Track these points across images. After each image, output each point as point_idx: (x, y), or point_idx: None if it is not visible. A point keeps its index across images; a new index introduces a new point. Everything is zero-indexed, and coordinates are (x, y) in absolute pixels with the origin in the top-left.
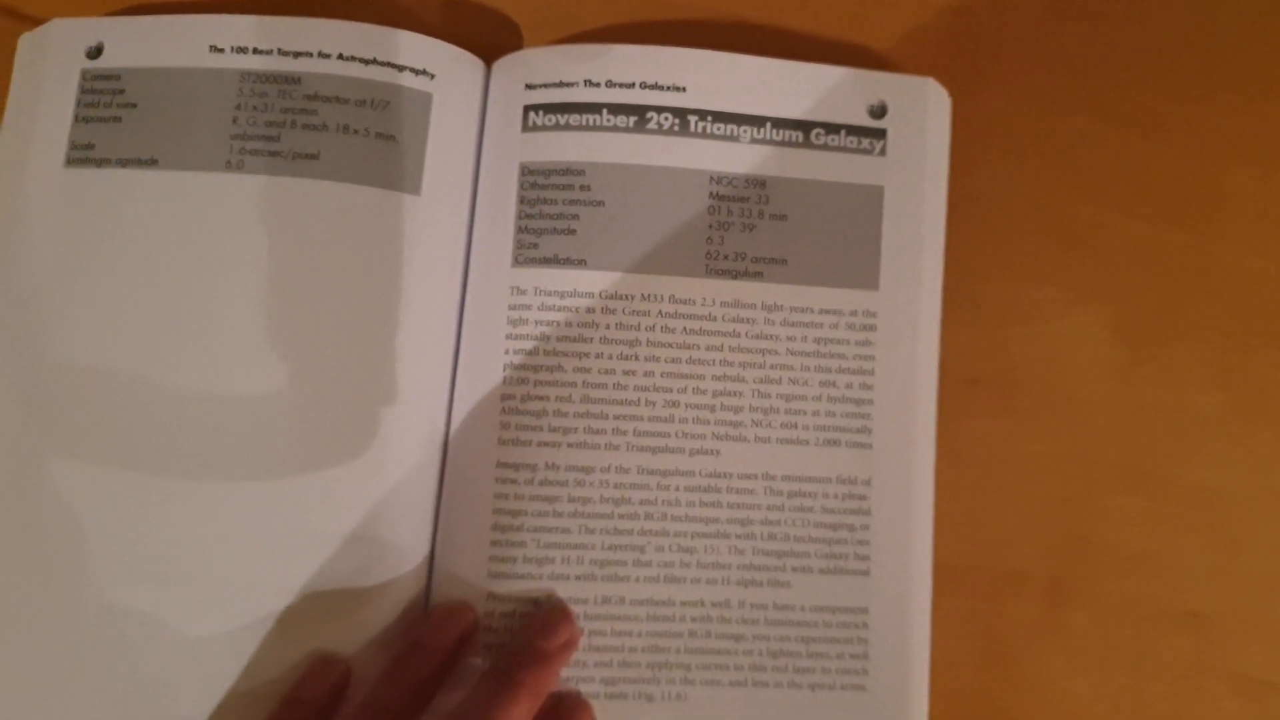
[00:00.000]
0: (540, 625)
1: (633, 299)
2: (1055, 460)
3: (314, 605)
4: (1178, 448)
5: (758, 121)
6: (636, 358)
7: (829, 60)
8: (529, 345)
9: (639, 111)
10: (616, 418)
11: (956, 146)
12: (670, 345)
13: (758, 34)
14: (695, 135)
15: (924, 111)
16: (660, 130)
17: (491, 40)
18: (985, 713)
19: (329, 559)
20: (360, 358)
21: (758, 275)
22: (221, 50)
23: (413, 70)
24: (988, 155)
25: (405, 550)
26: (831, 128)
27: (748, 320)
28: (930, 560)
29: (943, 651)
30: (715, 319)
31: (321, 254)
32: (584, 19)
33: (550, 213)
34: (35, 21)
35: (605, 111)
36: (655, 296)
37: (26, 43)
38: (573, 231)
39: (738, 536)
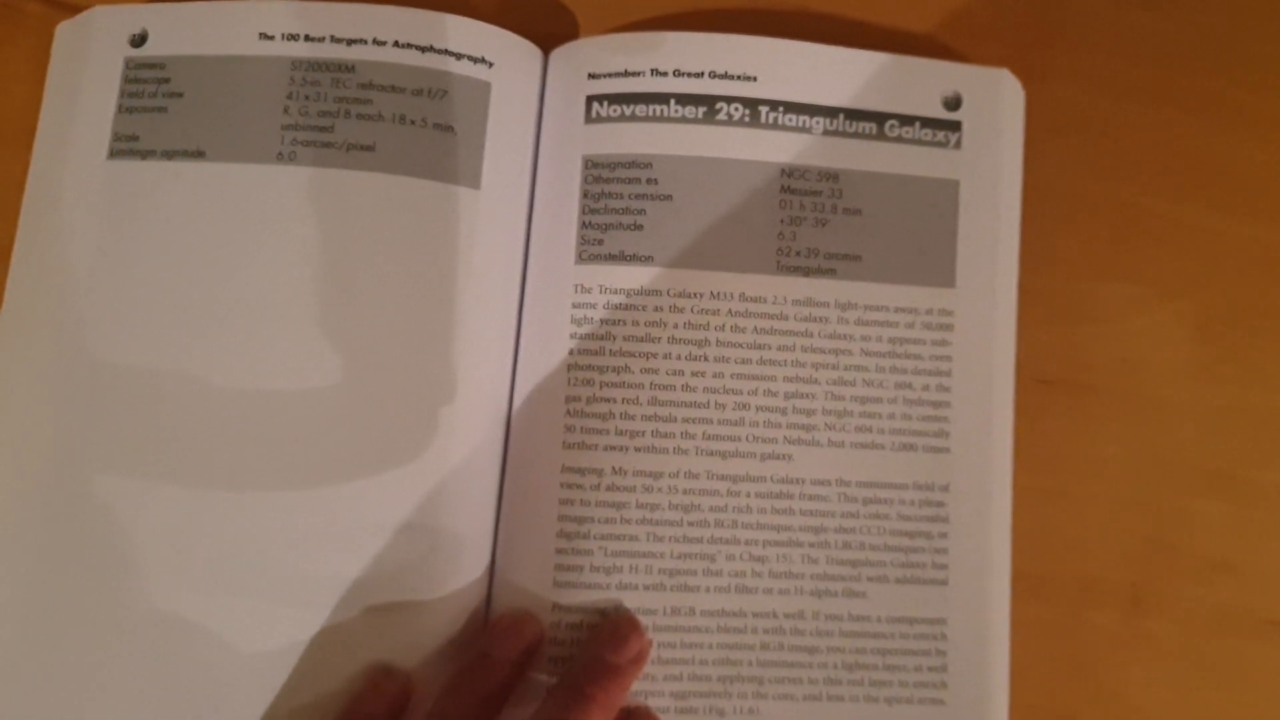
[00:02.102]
0: (609, 637)
1: (701, 297)
2: (1133, 463)
3: (370, 617)
4: (1261, 449)
5: (830, 112)
6: (706, 358)
7: (893, 49)
8: (594, 345)
9: (708, 102)
10: (685, 421)
11: (1027, 139)
12: (740, 345)
13: (819, 22)
14: (766, 126)
15: (998, 103)
16: (730, 121)
17: (547, 28)
18: None
19: (383, 569)
20: (416, 358)
21: (831, 272)
22: (271, 37)
23: (470, 58)
24: (1059, 148)
25: (464, 560)
26: (906, 119)
27: (821, 319)
28: (1008, 569)
29: (1020, 662)
30: (787, 318)
31: (378, 250)
32: (641, 7)
33: (615, 207)
34: (73, 9)
35: (673, 102)
36: (725, 294)
37: (65, 31)
38: (639, 227)
39: (811, 545)
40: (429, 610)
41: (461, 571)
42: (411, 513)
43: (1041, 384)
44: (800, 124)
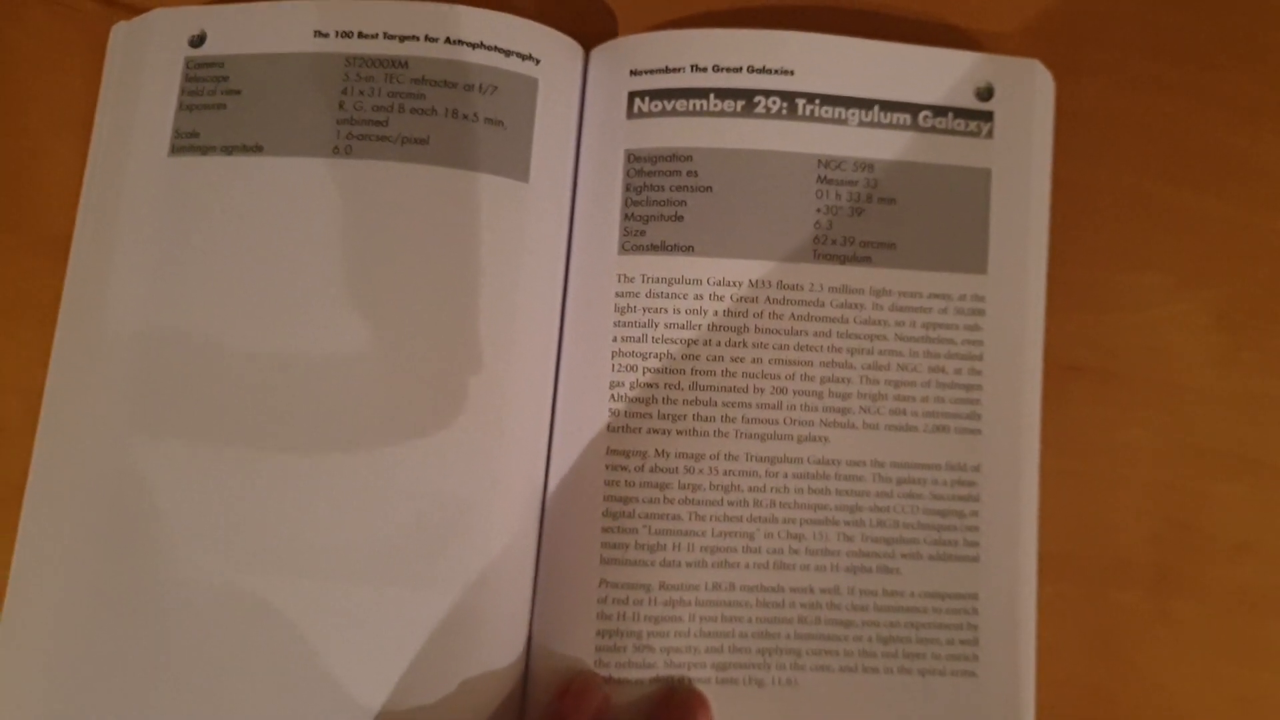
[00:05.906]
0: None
1: (740, 285)
2: (1158, 447)
3: (396, 592)
4: None
5: (866, 104)
6: (744, 344)
7: (924, 43)
8: (637, 333)
9: (747, 96)
10: (725, 405)
11: (1055, 133)
12: (778, 331)
13: (853, 17)
14: (803, 119)
15: (1030, 94)
16: (768, 114)
17: (586, 26)
18: (1091, 701)
19: (427, 539)
20: (469, 343)
21: (866, 260)
22: (326, 35)
23: (519, 55)
24: (1087, 140)
25: (511, 541)
26: (939, 110)
27: (856, 305)
28: (1036, 547)
29: (1048, 639)
30: (823, 304)
31: (434, 242)
32: (677, 6)
33: (657, 199)
34: (127, 8)
35: (712, 96)
36: (763, 282)
37: (122, 31)
38: (680, 218)
39: (847, 523)
40: (477, 588)
41: (508, 551)
42: (454, 484)
43: (1069, 370)
44: (836, 116)
